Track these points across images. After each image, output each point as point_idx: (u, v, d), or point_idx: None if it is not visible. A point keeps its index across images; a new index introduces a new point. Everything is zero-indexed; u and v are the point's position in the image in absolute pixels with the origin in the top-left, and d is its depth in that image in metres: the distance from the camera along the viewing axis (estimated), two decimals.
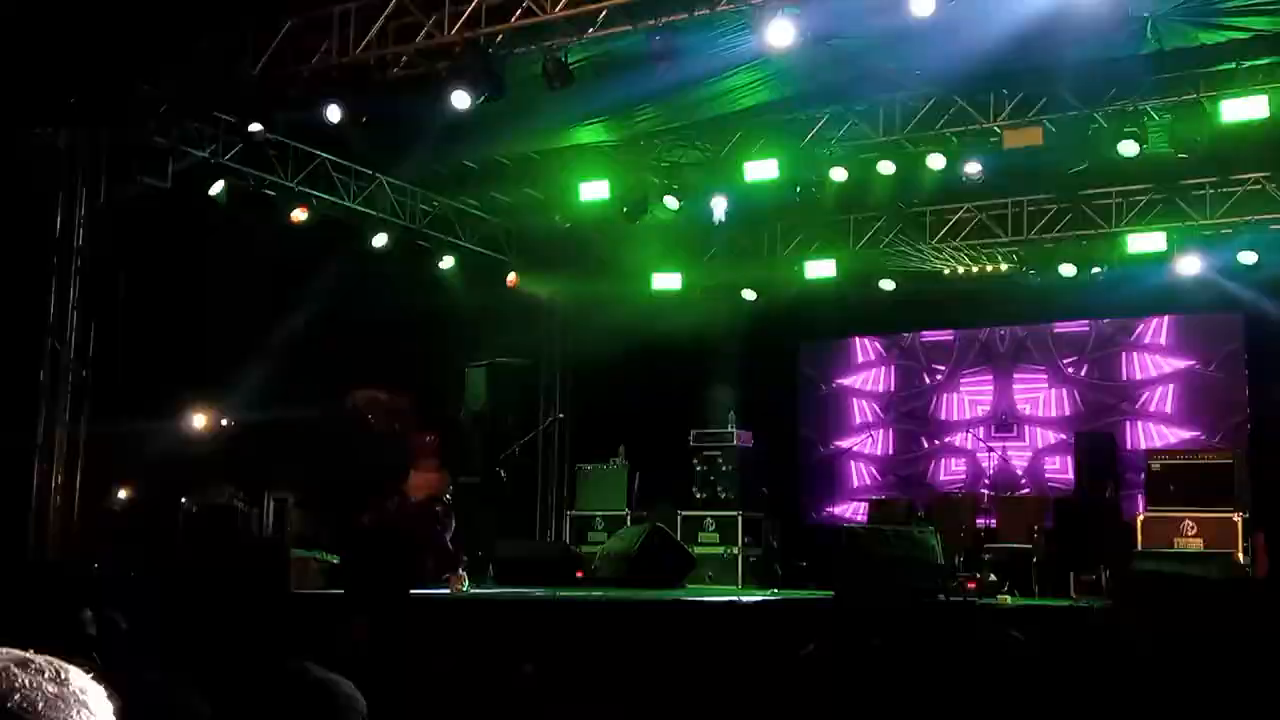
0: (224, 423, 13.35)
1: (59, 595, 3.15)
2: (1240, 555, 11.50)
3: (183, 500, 12.66)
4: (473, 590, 10.56)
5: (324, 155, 13.29)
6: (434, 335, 14.40)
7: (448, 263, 15.26)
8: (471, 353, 15.09)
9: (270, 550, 3.60)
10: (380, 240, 14.34)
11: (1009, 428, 15.52)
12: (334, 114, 10.59)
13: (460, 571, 11.02)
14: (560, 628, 8.60)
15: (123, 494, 12.23)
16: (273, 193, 13.13)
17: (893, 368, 16.61)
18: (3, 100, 10.97)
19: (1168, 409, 14.85)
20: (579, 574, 12.35)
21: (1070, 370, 15.50)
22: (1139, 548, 11.85)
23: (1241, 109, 11.27)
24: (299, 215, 13.31)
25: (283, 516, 13.78)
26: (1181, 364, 14.86)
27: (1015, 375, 15.78)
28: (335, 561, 9.83)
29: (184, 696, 2.63)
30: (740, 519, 13.82)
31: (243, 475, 13.37)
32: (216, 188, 12.53)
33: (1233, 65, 11.27)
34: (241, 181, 12.78)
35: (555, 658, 3.34)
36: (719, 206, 14.15)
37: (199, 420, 13.15)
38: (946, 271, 15.36)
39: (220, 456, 13.24)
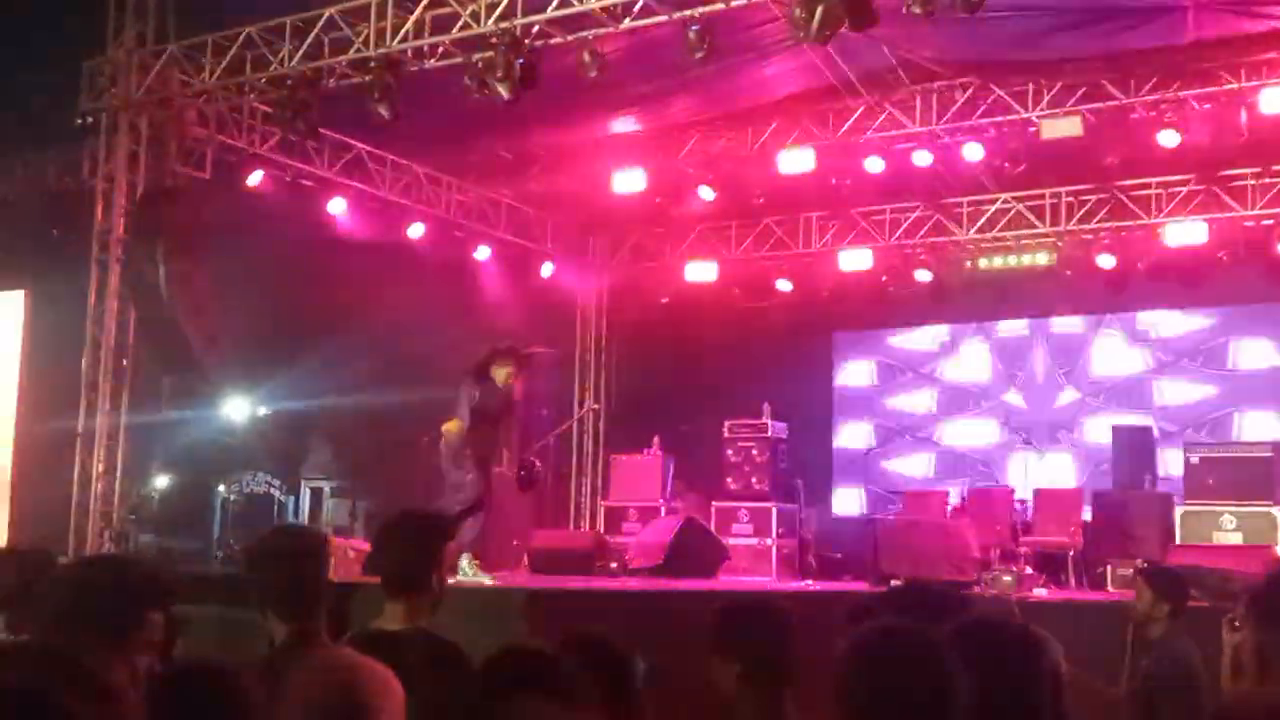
0: (260, 411, 13.46)
1: (124, 594, 3.17)
2: (1279, 549, 11.39)
3: (220, 488, 12.80)
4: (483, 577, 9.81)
5: (360, 145, 13.35)
6: (469, 325, 14.43)
7: (483, 252, 15.31)
8: (509, 342, 15.12)
9: (311, 537, 3.60)
10: (416, 230, 14.41)
11: (1046, 432, 15.43)
12: (372, 105, 10.62)
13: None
14: (594, 618, 8.63)
15: (161, 481, 12.35)
16: (310, 183, 13.22)
17: (924, 360, 16.53)
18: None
19: (1206, 403, 14.70)
20: (613, 564, 12.36)
21: (1109, 363, 15.37)
22: (1177, 541, 11.76)
23: None
24: (336, 205, 13.40)
25: (318, 504, 13.90)
26: (1224, 357, 14.71)
27: (1053, 367, 15.66)
28: (370, 549, 9.86)
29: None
30: (774, 510, 13.80)
31: (278, 463, 13.49)
32: (255, 178, 12.62)
33: (1273, 55, 11.15)
34: (279, 171, 12.87)
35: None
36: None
37: (236, 409, 13.27)
38: (984, 264, 15.26)
39: (257, 445, 13.37)
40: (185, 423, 12.47)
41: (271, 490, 13.16)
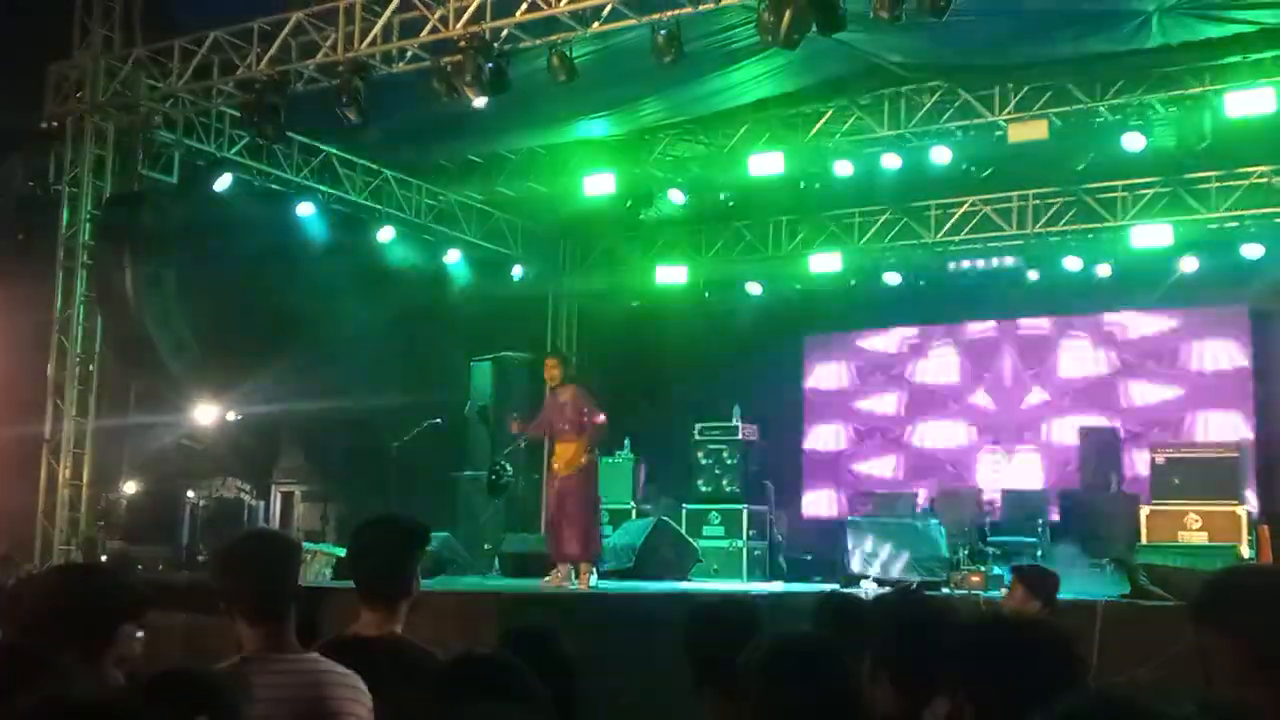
0: (230, 416, 13.41)
1: (95, 606, 3.16)
2: (1244, 549, 11.51)
3: (189, 494, 12.74)
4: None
5: (329, 149, 13.31)
6: (439, 329, 14.44)
7: (453, 256, 15.29)
8: (477, 346, 15.13)
9: (281, 541, 3.59)
10: (386, 234, 14.38)
11: (1013, 433, 15.55)
12: (340, 109, 10.59)
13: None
14: (566, 622, 8.63)
15: (130, 488, 12.29)
16: (278, 187, 13.17)
17: (894, 362, 16.63)
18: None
19: (1173, 403, 14.84)
20: None
21: (1076, 364, 15.50)
22: (1143, 541, 11.87)
23: (1246, 102, 11.26)
24: (305, 209, 13.35)
25: (289, 508, 13.86)
26: (1189, 358, 14.85)
27: (1021, 368, 15.78)
28: (341, 555, 9.86)
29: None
30: (745, 512, 13.84)
31: (249, 468, 13.45)
32: (223, 182, 12.56)
33: (1238, 59, 11.27)
34: (247, 175, 12.81)
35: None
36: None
37: (205, 414, 13.21)
38: (951, 266, 15.37)
39: (227, 450, 13.31)
40: (153, 428, 12.41)
41: (242, 495, 13.13)
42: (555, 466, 10.91)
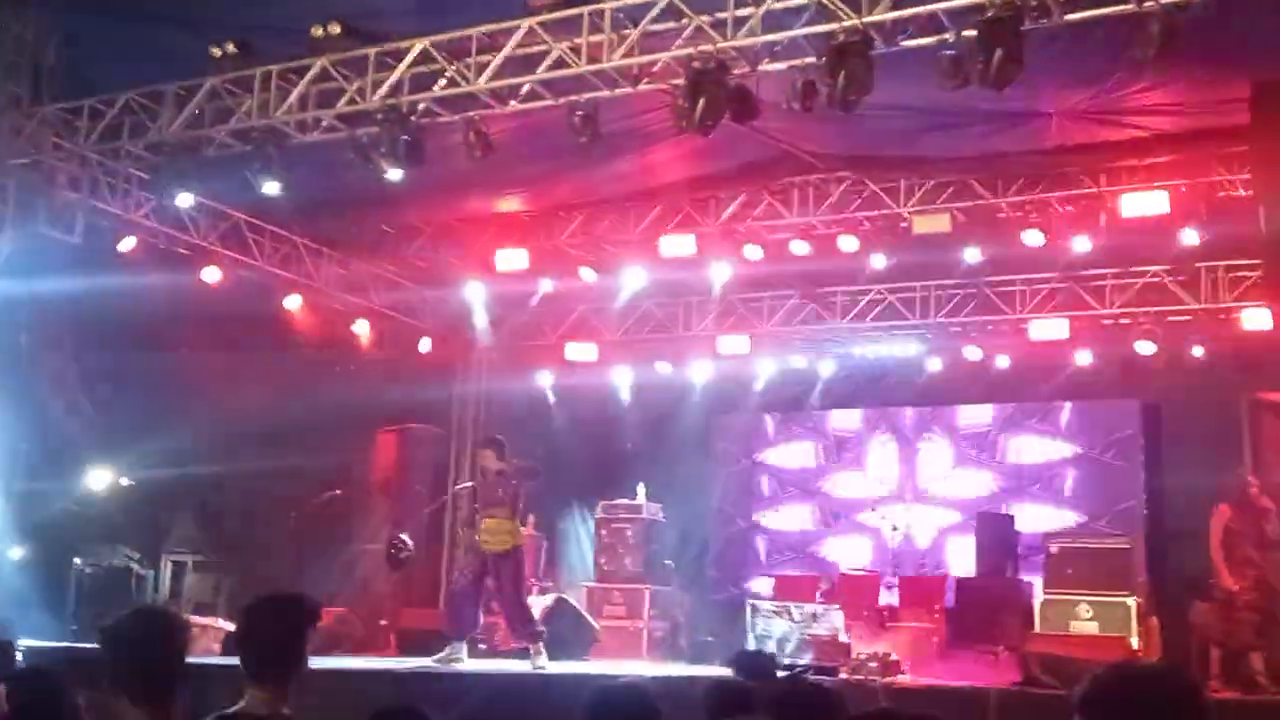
0: (124, 482, 13.08)
1: None
2: (1134, 640, 11.71)
3: (76, 561, 12.37)
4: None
5: (239, 215, 13.18)
6: (344, 398, 14.27)
7: (361, 326, 15.16)
8: (383, 418, 14.98)
9: (168, 619, 3.49)
10: (293, 302, 14.23)
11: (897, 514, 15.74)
12: (252, 175, 10.51)
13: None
14: (460, 701, 8.50)
15: (15, 554, 11.89)
16: (185, 251, 12.98)
17: (802, 445, 16.75)
18: None
19: (1065, 492, 15.14)
20: (481, 645, 12.20)
21: (973, 452, 15.76)
22: (1036, 629, 12.03)
23: (1142, 204, 11.67)
24: (211, 275, 13.14)
25: (180, 579, 13.50)
26: (1080, 449, 15.18)
27: (920, 456, 16.00)
28: (231, 628, 9.63)
29: None
30: (647, 592, 13.79)
31: (140, 536, 13.10)
32: (127, 244, 12.35)
33: (1133, 161, 11.69)
34: (153, 239, 12.61)
35: None
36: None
37: (99, 479, 12.87)
38: (856, 351, 15.62)
39: (119, 517, 12.97)
40: (43, 493, 12.06)
41: (131, 564, 12.78)
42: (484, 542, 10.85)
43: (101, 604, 11.35)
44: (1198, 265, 13.18)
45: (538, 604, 12.60)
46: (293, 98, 10.23)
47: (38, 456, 11.87)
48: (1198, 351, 13.71)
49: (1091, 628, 11.93)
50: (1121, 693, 2.34)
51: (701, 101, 8.73)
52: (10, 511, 11.64)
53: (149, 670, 3.26)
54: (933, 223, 12.37)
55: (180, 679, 3.31)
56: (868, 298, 14.83)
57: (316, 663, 3.84)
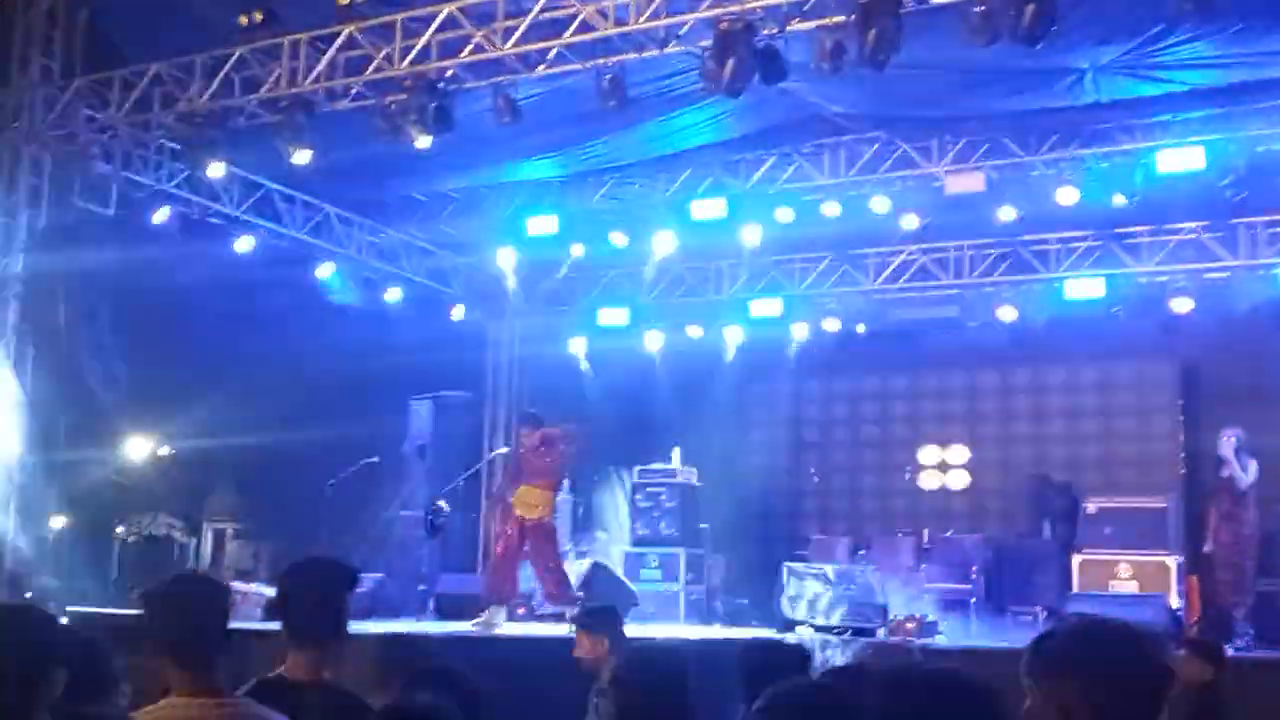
0: (164, 452, 13.21)
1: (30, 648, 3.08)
2: (1174, 598, 11.67)
3: (118, 529, 12.51)
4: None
5: (270, 184, 13.23)
6: (378, 366, 14.33)
7: (394, 294, 15.21)
8: (416, 385, 15.04)
9: (210, 585, 3.52)
10: (326, 271, 14.29)
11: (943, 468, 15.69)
12: (282, 145, 10.53)
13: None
14: (499, 665, 8.57)
15: (58, 523, 12.04)
16: (218, 220, 13.05)
17: (836, 407, 16.72)
18: None
19: (1105, 454, 15.03)
20: (520, 610, 12.28)
21: (1012, 413, 15.68)
22: (1074, 589, 12.00)
23: (1177, 160, 11.54)
24: (244, 244, 13.23)
25: (221, 546, 13.64)
26: (1119, 410, 15.06)
27: (959, 417, 15.93)
28: (272, 594, 9.71)
29: None
30: (683, 555, 13.82)
31: (180, 504, 13.24)
32: (161, 215, 12.44)
33: (1168, 117, 11.54)
34: (186, 209, 12.69)
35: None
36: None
37: (139, 449, 13.01)
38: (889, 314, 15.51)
39: (159, 486, 13.10)
40: (84, 463, 12.19)
41: (172, 533, 12.91)
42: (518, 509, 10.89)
43: (144, 572, 11.48)
44: (1235, 221, 13.02)
45: (574, 569, 12.66)
46: (321, 65, 10.25)
47: (77, 427, 11.99)
48: (1236, 309, 13.55)
49: (1131, 587, 11.90)
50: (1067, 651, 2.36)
51: (730, 63, 8.67)
52: (52, 481, 11.77)
53: (191, 636, 3.30)
54: (966, 182, 12.26)
55: (222, 644, 3.35)
56: (900, 259, 14.73)
57: (356, 627, 3.87)
